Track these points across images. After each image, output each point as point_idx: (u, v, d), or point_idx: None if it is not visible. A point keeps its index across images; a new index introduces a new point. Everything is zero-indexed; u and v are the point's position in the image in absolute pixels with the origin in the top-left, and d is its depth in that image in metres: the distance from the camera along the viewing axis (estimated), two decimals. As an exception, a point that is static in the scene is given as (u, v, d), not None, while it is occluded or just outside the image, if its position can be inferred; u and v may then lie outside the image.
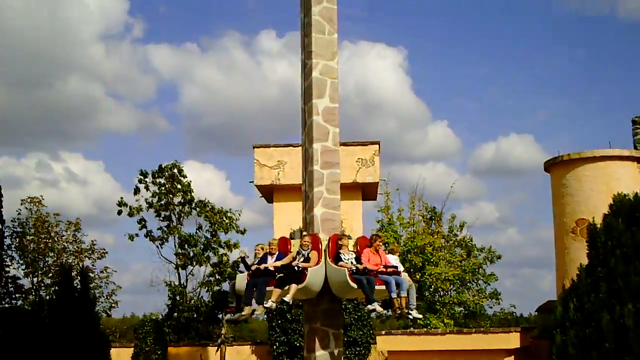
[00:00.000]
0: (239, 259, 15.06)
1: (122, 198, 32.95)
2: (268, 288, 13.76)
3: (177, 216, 33.31)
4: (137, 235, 32.97)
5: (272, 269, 13.91)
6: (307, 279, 13.61)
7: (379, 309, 13.82)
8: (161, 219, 33.04)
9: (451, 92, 72.60)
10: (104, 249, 34.73)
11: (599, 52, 70.85)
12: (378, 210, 32.00)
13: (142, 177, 33.24)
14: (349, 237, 14.77)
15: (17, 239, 32.69)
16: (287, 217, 28.33)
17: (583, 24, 71.31)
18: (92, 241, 34.66)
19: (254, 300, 13.75)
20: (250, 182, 30.94)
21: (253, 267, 14.12)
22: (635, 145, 27.51)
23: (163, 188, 33.09)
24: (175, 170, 33.34)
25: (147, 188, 33.23)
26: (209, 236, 33.19)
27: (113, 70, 64.83)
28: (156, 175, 33.24)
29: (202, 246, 32.95)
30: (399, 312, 14.12)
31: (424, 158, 66.28)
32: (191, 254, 32.93)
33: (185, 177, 33.45)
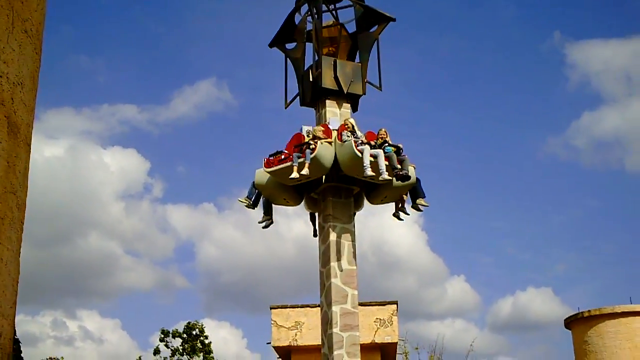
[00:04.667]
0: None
1: (140, 357, 32.71)
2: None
3: (197, 376, 32.92)
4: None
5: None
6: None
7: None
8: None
9: (467, 247, 72.73)
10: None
11: (611, 205, 71.45)
12: (396, 372, 31.39)
13: (162, 336, 33.17)
14: None
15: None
16: (305, 379, 27.83)
17: (596, 178, 72.40)
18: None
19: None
20: (268, 343, 30.66)
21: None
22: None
23: (184, 347, 32.93)
24: (197, 330, 33.28)
25: (167, 347, 33.12)
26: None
27: (132, 229, 65.69)
28: (177, 334, 33.21)
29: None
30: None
31: (443, 314, 65.64)
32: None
33: (206, 337, 33.36)
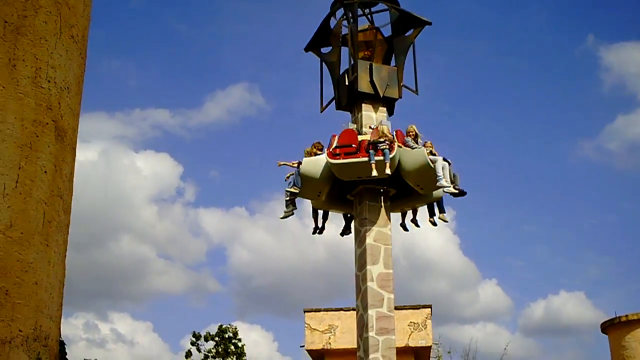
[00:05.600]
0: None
1: (171, 360, 32.91)
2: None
3: (229, 380, 32.98)
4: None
5: None
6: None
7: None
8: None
9: (499, 251, 72.15)
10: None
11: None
12: (430, 375, 31.23)
13: (194, 340, 33.32)
14: None
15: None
16: (339, 382, 27.84)
17: (630, 181, 71.56)
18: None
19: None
20: (302, 346, 30.68)
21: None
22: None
23: (217, 349, 33.04)
24: (230, 333, 33.37)
25: (199, 350, 33.23)
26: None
27: (165, 233, 66.08)
28: (209, 338, 33.30)
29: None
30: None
31: (475, 318, 65.19)
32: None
33: (239, 340, 33.44)
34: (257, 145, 74.05)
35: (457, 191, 15.53)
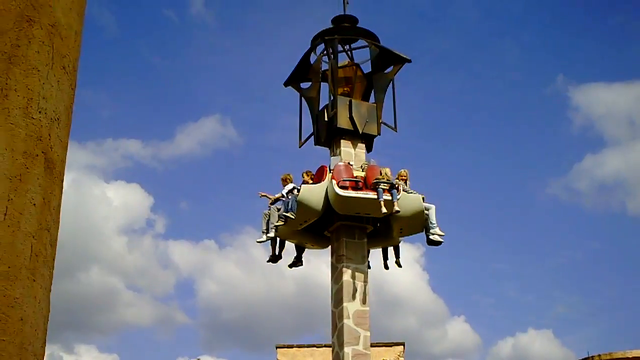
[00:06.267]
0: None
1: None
2: None
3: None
4: None
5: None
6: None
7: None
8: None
9: (468, 288, 72.38)
10: None
11: (612, 248, 71.23)
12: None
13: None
14: None
15: None
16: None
17: (598, 220, 72.32)
18: None
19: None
20: (273, 383, 30.34)
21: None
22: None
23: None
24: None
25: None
26: None
27: (134, 264, 65.46)
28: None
29: None
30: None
31: (444, 355, 65.00)
32: None
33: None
34: (228, 178, 73.91)
35: (442, 241, 15.80)
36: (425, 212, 15.58)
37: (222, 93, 75.09)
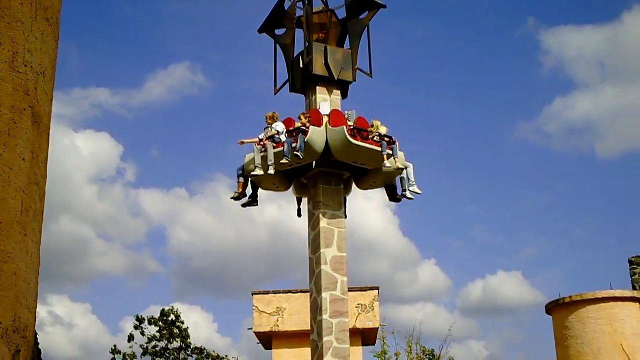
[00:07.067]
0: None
1: (115, 346, 32.67)
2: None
3: (174, 362, 32.93)
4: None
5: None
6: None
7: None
8: (157, 364, 32.67)
9: (438, 231, 73.19)
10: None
11: (581, 190, 72.23)
12: (374, 356, 31.62)
13: (137, 323, 33.11)
14: None
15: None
16: (287, 364, 27.93)
17: (567, 163, 73.20)
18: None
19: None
20: (249, 328, 30.63)
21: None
22: (633, 285, 27.60)
23: (162, 334, 32.87)
24: (173, 316, 33.22)
25: (142, 333, 33.04)
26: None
27: (104, 213, 65.21)
28: (153, 321, 33.12)
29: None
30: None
31: (414, 298, 66.03)
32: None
33: (182, 322, 33.34)
34: (199, 125, 73.50)
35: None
36: (404, 169, 15.81)
37: (191, 40, 74.26)
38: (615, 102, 67.96)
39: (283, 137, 15.37)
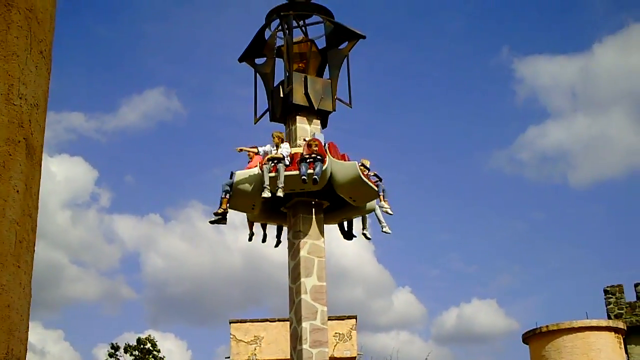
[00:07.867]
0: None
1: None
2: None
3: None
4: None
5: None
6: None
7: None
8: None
9: (413, 259, 73.41)
10: None
11: (554, 218, 72.89)
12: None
13: (112, 351, 32.84)
14: None
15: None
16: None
17: (540, 191, 73.87)
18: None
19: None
20: (227, 357, 30.48)
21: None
22: (608, 314, 27.84)
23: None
24: (149, 344, 33.00)
25: (117, 361, 32.82)
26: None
27: (78, 239, 64.73)
28: (129, 349, 32.86)
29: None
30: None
31: (389, 326, 65.99)
32: None
33: (159, 351, 33.10)
34: (174, 152, 73.41)
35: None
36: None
37: (166, 64, 74.34)
38: (587, 131, 68.96)
39: (287, 161, 15.47)
